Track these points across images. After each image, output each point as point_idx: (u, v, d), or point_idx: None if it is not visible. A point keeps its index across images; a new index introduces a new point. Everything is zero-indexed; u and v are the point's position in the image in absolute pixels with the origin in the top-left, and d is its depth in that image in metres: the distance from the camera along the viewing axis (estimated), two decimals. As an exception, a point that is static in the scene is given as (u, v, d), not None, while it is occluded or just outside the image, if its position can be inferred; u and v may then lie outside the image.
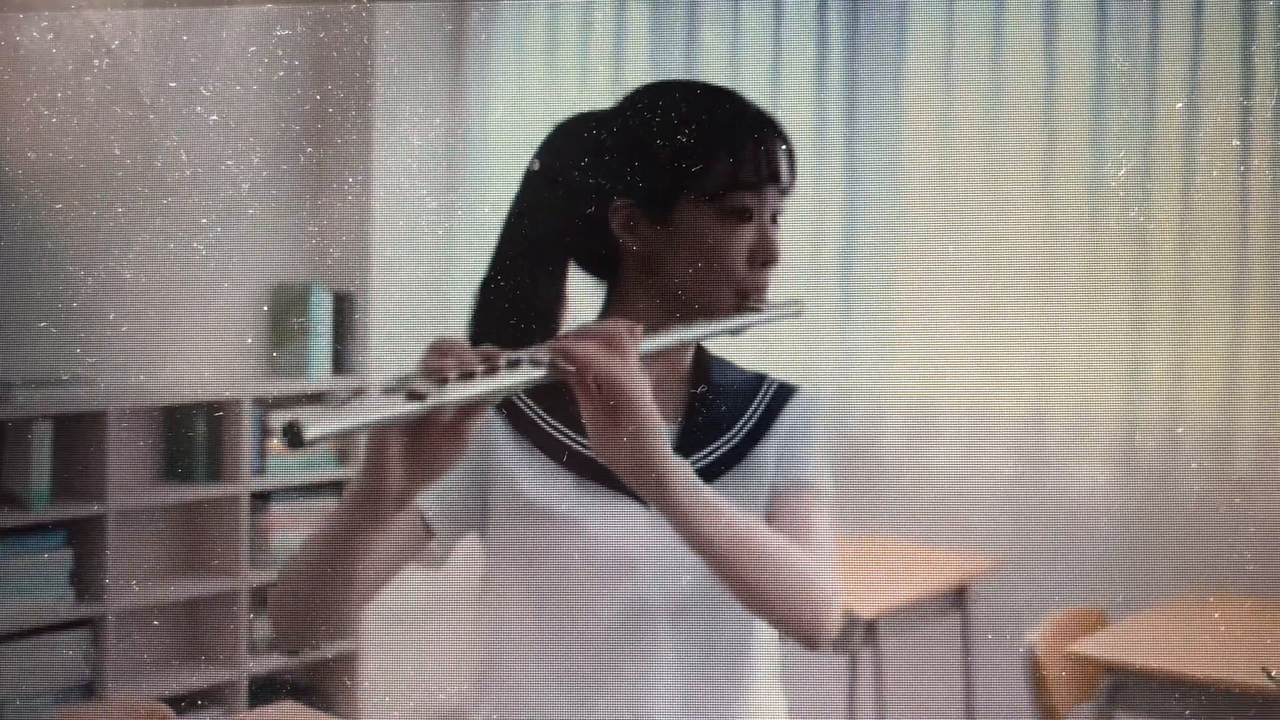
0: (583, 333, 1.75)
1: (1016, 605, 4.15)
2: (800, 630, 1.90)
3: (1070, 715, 3.68)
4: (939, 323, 4.10)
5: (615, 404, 1.72)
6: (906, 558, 4.30)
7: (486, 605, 2.00)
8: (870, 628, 4.06)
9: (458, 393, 1.60)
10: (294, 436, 1.44)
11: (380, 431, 1.64)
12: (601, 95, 2.07)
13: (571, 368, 1.71)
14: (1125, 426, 4.26)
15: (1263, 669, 3.36)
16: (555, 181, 2.03)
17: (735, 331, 1.99)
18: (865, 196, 4.32)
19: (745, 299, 1.99)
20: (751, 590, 1.84)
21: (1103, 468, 4.28)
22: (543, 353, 1.70)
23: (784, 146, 2.02)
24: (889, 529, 4.30)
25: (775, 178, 2.01)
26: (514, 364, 1.66)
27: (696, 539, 1.79)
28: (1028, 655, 3.64)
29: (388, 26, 4.87)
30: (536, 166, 2.06)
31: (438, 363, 1.62)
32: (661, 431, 1.76)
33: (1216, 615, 3.81)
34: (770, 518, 2.00)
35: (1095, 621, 3.86)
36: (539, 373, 1.68)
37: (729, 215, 1.97)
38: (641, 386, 1.73)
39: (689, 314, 1.95)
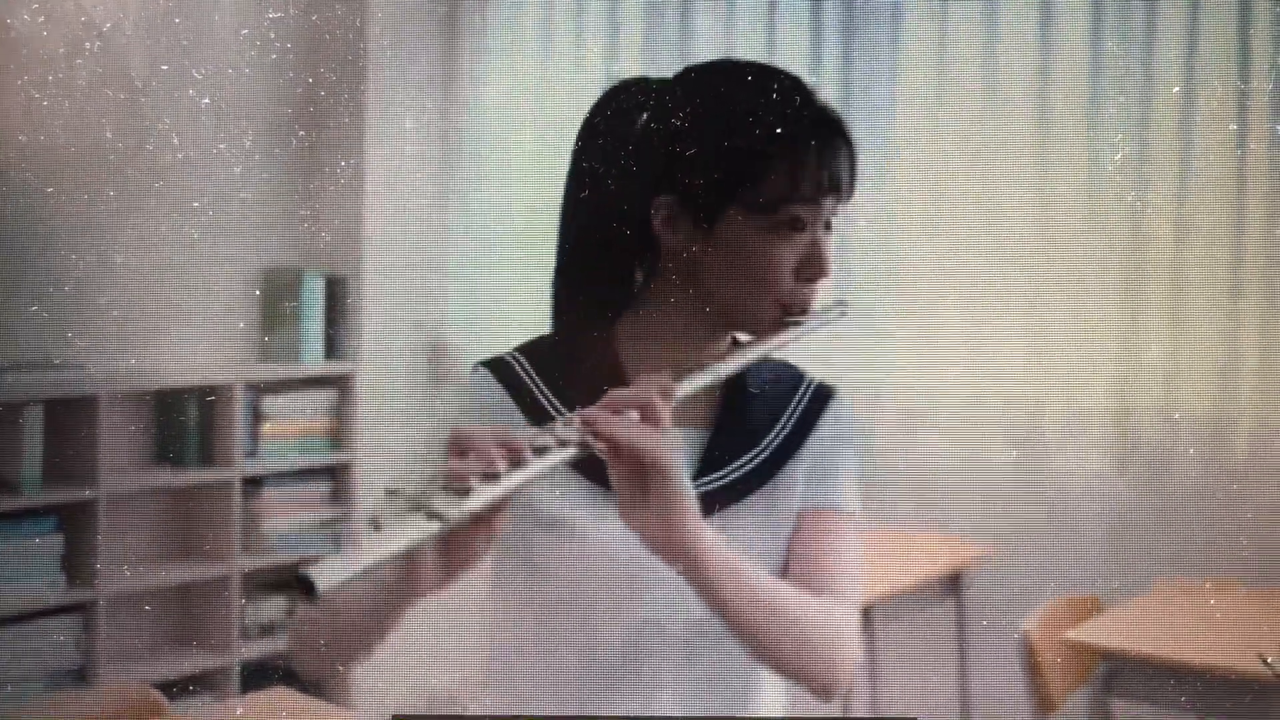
0: (614, 402, 1.63)
1: (1012, 592, 4.14)
2: (813, 685, 1.83)
3: (1065, 702, 3.68)
4: (934, 311, 4.09)
5: (647, 475, 1.63)
6: (901, 545, 4.30)
7: (492, 605, 1.93)
8: (865, 615, 4.05)
9: (485, 497, 1.49)
10: (307, 591, 1.38)
11: None
12: (596, 78, 1.98)
13: (604, 447, 1.61)
14: (1121, 413, 4.25)
15: (1258, 655, 3.35)
16: (603, 159, 1.89)
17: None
18: (860, 187, 4.31)
19: (789, 312, 1.85)
20: (769, 651, 1.77)
21: (1098, 454, 4.27)
22: (572, 432, 1.58)
23: (847, 151, 1.87)
24: (883, 517, 4.29)
25: (836, 188, 1.85)
26: (542, 450, 1.55)
27: (719, 604, 1.71)
28: (1023, 642, 3.63)
29: (381, 9, 4.85)
30: (593, 125, 1.91)
31: (459, 468, 1.49)
32: (694, 505, 1.67)
33: (1212, 602, 3.81)
34: (796, 538, 1.91)
35: (1091, 608, 3.85)
36: (569, 453, 1.58)
37: (781, 227, 1.82)
38: (676, 461, 1.64)
39: (728, 325, 1.82)
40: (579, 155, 1.92)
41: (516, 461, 1.53)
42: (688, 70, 1.91)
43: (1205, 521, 4.11)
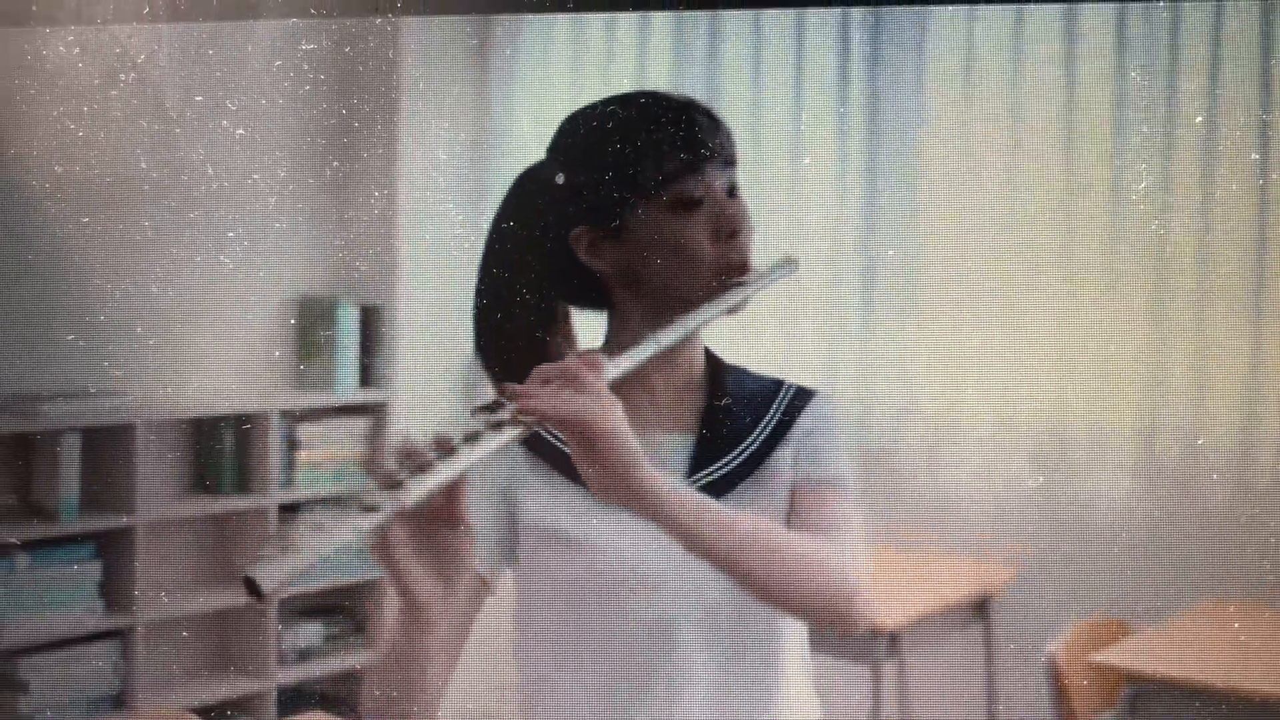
0: (539, 378, 1.72)
1: (1038, 615, 4.17)
2: (831, 621, 1.89)
3: (1092, 724, 3.70)
4: (960, 334, 4.12)
5: (592, 441, 1.71)
6: (928, 569, 4.32)
7: (520, 632, 2.00)
8: (893, 639, 4.08)
9: (420, 487, 1.58)
10: (254, 592, 1.45)
11: (383, 550, 1.64)
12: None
13: (534, 419, 1.69)
14: (1146, 437, 4.27)
15: (1284, 679, 3.38)
16: (519, 244, 2.00)
17: (731, 311, 1.96)
18: (886, 211, 4.34)
19: (726, 277, 1.95)
20: (774, 592, 1.83)
21: (1124, 478, 4.29)
22: (504, 413, 1.67)
23: (709, 120, 1.97)
24: (910, 540, 4.32)
25: (711, 154, 1.96)
26: (473, 437, 1.64)
27: (709, 554, 1.77)
28: (1049, 665, 3.65)
29: (413, 41, 4.88)
30: (502, 225, 2.03)
31: (390, 466, 1.60)
32: (642, 459, 1.73)
33: (1237, 625, 3.83)
34: (793, 518, 1.98)
35: (1117, 631, 3.87)
36: (509, 433, 1.66)
37: (680, 207, 1.93)
38: (612, 419, 1.71)
39: (678, 314, 1.93)
40: (498, 222, 2.02)
41: (447, 451, 1.61)
42: (556, 132, 2.03)
43: (1231, 544, 4.13)
